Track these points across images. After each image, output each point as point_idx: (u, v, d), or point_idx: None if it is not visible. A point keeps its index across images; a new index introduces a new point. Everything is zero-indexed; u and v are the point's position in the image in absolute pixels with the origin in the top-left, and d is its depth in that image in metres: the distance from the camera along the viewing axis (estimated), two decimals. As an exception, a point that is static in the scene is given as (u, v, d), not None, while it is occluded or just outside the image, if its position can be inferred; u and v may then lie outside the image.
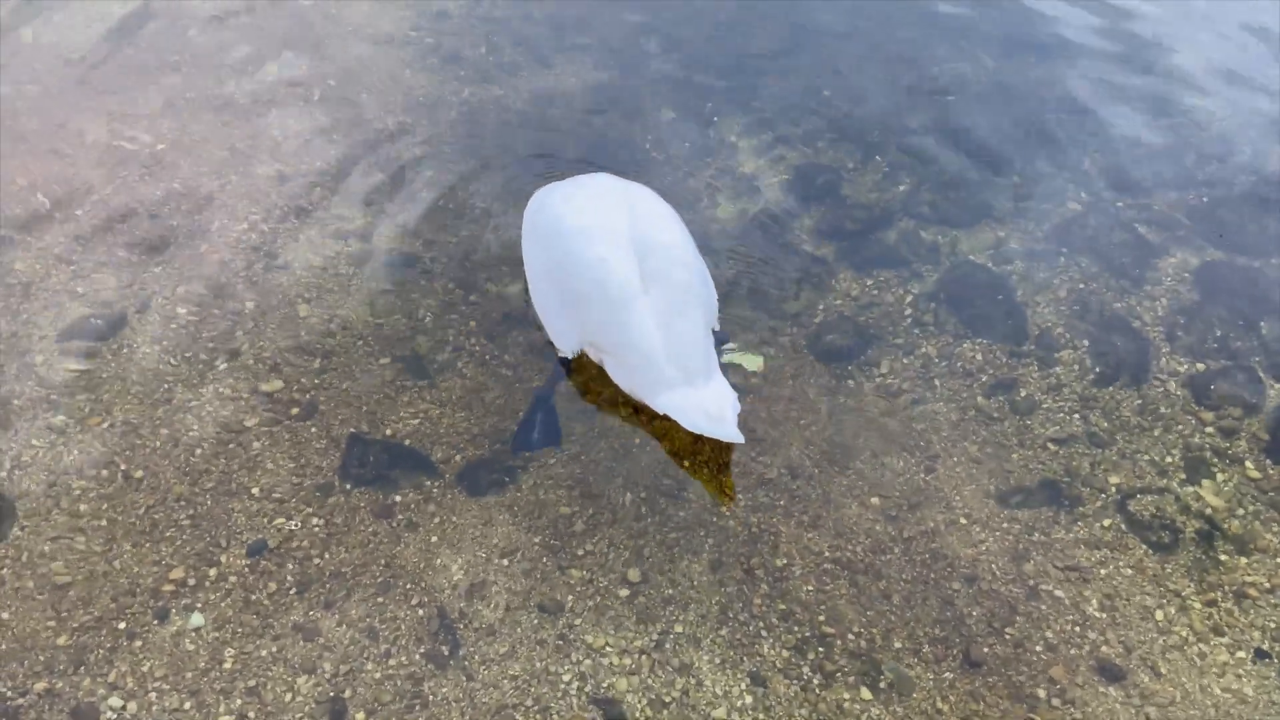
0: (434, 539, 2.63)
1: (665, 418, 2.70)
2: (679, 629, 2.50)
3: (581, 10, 4.51)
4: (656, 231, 2.81)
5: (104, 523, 2.59)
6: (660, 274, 2.72)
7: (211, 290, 3.16)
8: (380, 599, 2.50)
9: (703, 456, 2.86)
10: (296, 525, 2.63)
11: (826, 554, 2.67)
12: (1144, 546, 2.76)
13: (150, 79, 3.93)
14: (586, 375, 3.00)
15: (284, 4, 4.37)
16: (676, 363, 2.65)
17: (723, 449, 2.87)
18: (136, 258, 3.25)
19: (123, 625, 2.40)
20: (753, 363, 3.13)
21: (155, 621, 2.42)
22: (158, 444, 2.76)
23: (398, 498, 2.71)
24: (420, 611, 2.49)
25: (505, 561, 2.60)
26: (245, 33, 4.20)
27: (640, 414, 2.91)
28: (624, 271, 2.69)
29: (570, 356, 2.96)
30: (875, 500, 2.81)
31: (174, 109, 3.81)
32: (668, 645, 2.47)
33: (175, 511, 2.63)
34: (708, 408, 2.62)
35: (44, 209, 3.37)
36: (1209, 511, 2.84)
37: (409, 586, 2.54)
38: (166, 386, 2.89)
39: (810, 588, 2.60)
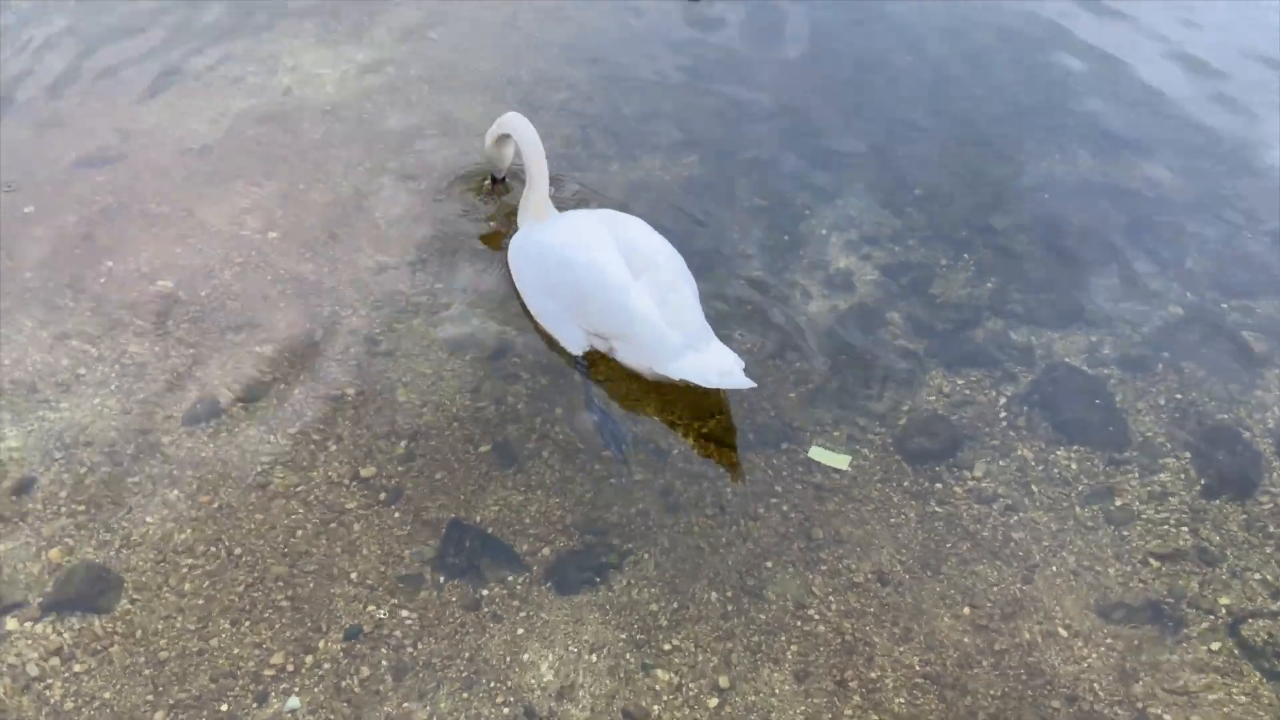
0: (520, 631, 2.65)
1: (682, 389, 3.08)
2: (767, 739, 2.46)
3: (672, 105, 4.63)
4: (635, 237, 3.27)
5: (203, 601, 2.67)
6: (647, 265, 3.16)
7: (315, 374, 3.28)
8: (465, 694, 2.51)
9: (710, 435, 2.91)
10: (385, 614, 2.67)
11: (918, 667, 2.61)
12: (1258, 674, 2.62)
13: (264, 169, 4.15)
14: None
15: (388, 100, 4.59)
16: (679, 330, 3.05)
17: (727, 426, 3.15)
18: (242, 338, 3.39)
19: (224, 707, 2.46)
20: (839, 461, 3.10)
21: (255, 704, 2.47)
22: (253, 525, 2.85)
23: (485, 591, 2.74)
24: (506, 710, 2.50)
25: (593, 657, 2.60)
26: (352, 125, 4.41)
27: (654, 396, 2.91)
28: (616, 265, 3.14)
29: (581, 353, 3.32)
30: (967, 610, 2.74)
31: (286, 198, 4.00)
32: (756, 756, 2.42)
33: (274, 593, 2.70)
34: (718, 365, 2.98)
35: (166, 291, 3.56)
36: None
37: (494, 684, 2.55)
38: (264, 468, 2.99)
39: (902, 700, 2.53)
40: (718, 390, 3.13)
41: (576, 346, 3.32)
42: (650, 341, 3.08)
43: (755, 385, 2.99)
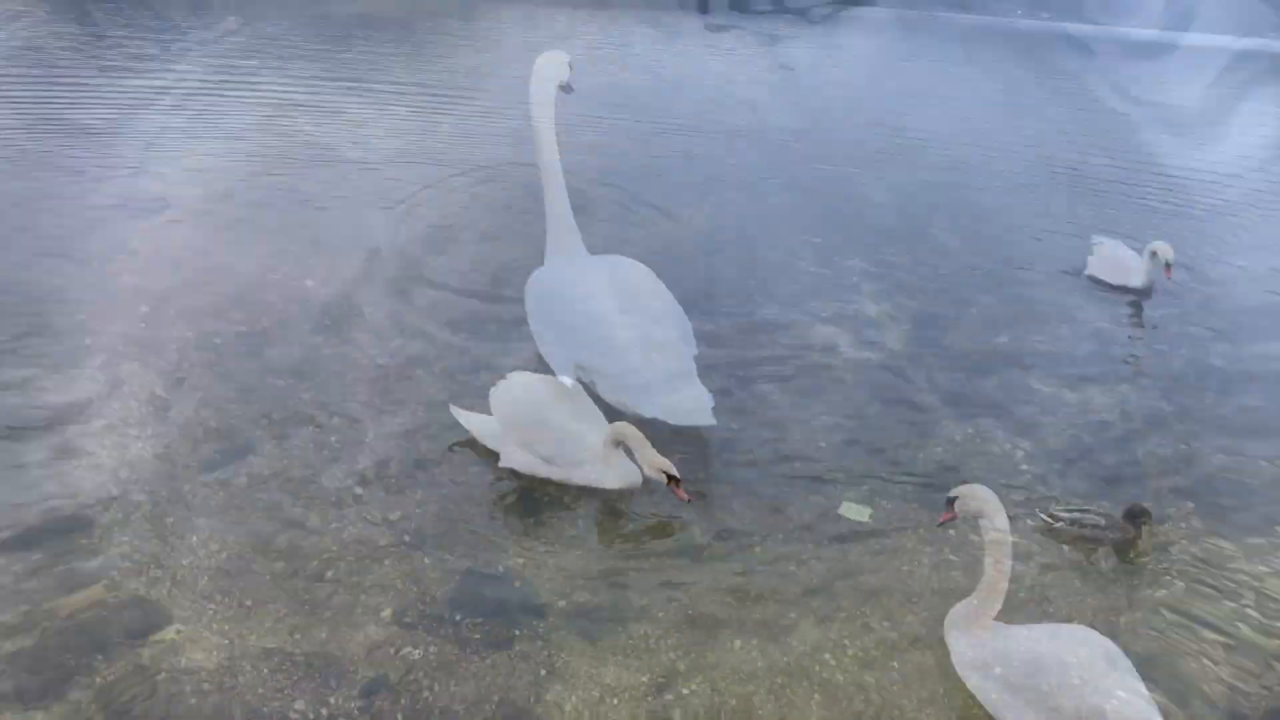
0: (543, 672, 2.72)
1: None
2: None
3: (706, 170, 4.69)
4: (630, 276, 3.45)
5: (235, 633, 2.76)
6: (637, 304, 3.34)
7: (344, 416, 3.40)
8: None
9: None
10: (419, 654, 2.76)
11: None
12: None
13: (298, 218, 4.28)
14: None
15: (429, 147, 4.72)
16: (659, 369, 3.19)
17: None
18: (284, 383, 3.53)
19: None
20: (859, 513, 3.16)
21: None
22: (278, 566, 2.93)
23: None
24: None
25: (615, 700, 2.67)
26: (392, 169, 4.53)
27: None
28: (603, 301, 3.31)
29: (566, 379, 3.34)
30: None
31: (320, 246, 4.14)
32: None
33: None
34: (690, 404, 3.14)
35: (211, 333, 3.71)
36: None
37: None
38: (300, 510, 3.10)
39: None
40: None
41: (563, 372, 3.42)
42: (625, 375, 3.21)
43: (715, 423, 3.11)
